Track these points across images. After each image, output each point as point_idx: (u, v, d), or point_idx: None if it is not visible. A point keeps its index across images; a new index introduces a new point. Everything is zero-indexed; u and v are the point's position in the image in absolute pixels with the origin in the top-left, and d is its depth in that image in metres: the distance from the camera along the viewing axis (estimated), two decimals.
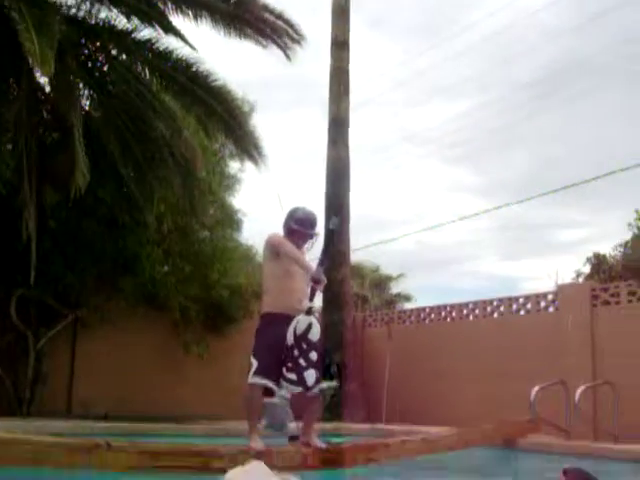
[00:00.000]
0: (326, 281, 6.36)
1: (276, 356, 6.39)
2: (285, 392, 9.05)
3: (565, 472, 4.17)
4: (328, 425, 10.79)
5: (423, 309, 14.30)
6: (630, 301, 10.84)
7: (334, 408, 12.05)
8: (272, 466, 5.65)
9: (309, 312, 6.47)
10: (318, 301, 14.06)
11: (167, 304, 12.84)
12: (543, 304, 12.03)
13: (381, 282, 24.84)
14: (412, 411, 12.59)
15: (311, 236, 6.74)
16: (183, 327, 13.22)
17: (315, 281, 6.39)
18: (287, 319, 6.39)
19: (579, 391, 9.34)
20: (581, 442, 9.16)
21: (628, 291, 10.89)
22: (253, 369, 6.37)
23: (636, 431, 9.40)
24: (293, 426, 6.89)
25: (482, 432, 9.12)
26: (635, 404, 9.94)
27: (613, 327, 10.87)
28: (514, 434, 9.33)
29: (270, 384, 6.39)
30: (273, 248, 6.59)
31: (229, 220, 14.19)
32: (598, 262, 19.87)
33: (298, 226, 6.65)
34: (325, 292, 13.88)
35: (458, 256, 42.08)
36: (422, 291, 39.36)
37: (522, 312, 12.39)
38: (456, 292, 36.42)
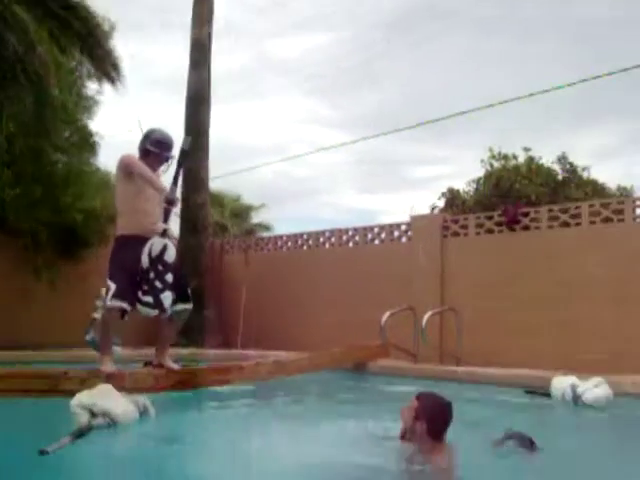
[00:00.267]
0: (180, 201, 6.34)
1: (131, 278, 6.33)
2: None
3: (418, 397, 4.37)
4: (184, 351, 10.78)
5: (280, 237, 14.41)
6: (478, 233, 11.31)
7: (191, 334, 12.04)
8: (123, 388, 5.65)
9: (164, 234, 6.42)
10: (175, 225, 13.94)
11: (17, 228, 12.36)
12: (397, 234, 12.36)
13: (242, 212, 24.77)
14: (268, 337, 12.77)
15: (167, 159, 6.63)
16: (33, 252, 12.77)
17: (169, 202, 6.32)
18: (141, 241, 6.31)
19: (426, 317, 9.74)
20: (427, 365, 9.62)
21: (476, 223, 11.35)
22: (110, 293, 6.30)
23: (478, 354, 9.95)
24: (118, 349, 6.84)
25: (333, 356, 9.38)
26: (477, 329, 10.49)
27: (461, 257, 11.35)
28: (364, 358, 9.65)
29: (126, 306, 6.34)
30: (125, 168, 6.46)
31: (85, 143, 13.70)
32: (452, 197, 20.58)
33: (153, 148, 6.54)
34: (182, 217, 13.79)
35: (318, 188, 42.63)
36: (282, 222, 39.50)
37: (376, 241, 12.69)
38: (315, 223, 36.92)
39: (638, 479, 4.18)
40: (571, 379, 6.94)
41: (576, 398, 6.68)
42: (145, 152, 6.57)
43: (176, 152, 6.60)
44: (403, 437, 4.33)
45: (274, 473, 3.98)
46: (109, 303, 6.27)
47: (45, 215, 12.50)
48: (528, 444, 4.58)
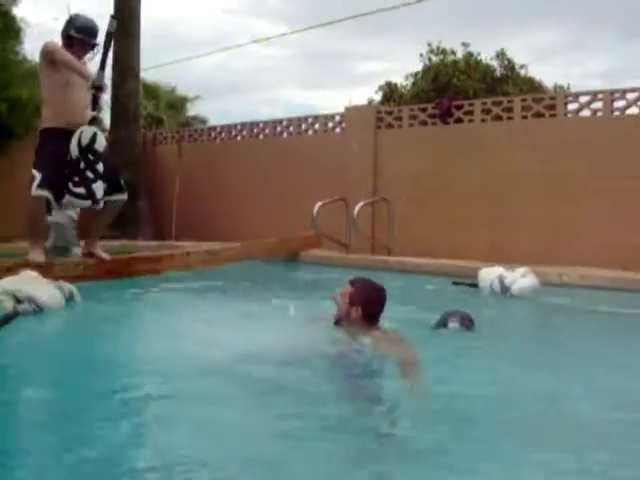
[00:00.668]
0: (108, 88, 6.21)
1: (59, 170, 6.24)
2: (73, 213, 8.92)
3: (352, 282, 4.44)
4: (116, 242, 10.81)
5: (214, 128, 14.26)
6: (411, 125, 11.35)
7: (124, 226, 11.96)
8: (51, 277, 5.63)
9: (93, 122, 6.31)
10: (106, 117, 13.65)
11: None
12: (330, 125, 12.34)
13: (177, 103, 24.26)
14: (203, 228, 12.80)
15: (92, 46, 6.46)
16: None
17: (96, 88, 6.20)
18: (68, 134, 6.21)
19: (358, 207, 9.84)
20: (359, 255, 9.82)
21: (410, 115, 11.37)
22: (36, 182, 6.21)
23: (409, 245, 10.15)
24: (79, 251, 6.83)
25: (265, 245, 9.53)
26: (409, 220, 10.66)
27: (394, 149, 11.39)
28: (297, 248, 9.82)
29: (51, 197, 6.27)
30: (49, 55, 6.27)
31: (9, 30, 13.12)
32: (390, 90, 20.52)
33: (77, 34, 6.36)
34: (113, 107, 13.48)
35: (258, 83, 41.94)
36: (219, 115, 39.05)
37: (310, 132, 12.66)
38: (254, 118, 36.49)
39: (556, 359, 4.36)
40: (498, 270, 7.08)
41: (504, 289, 6.81)
42: (69, 39, 6.38)
43: (102, 39, 6.43)
44: (338, 322, 4.39)
45: (206, 357, 3.98)
46: (34, 193, 6.19)
47: None
48: (468, 323, 4.75)
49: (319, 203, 9.80)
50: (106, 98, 6.92)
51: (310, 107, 41.76)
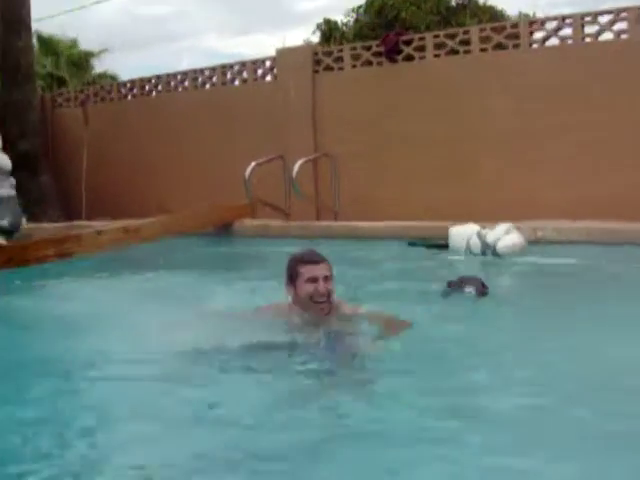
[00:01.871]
0: None
1: None
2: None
3: (322, 258, 4.33)
4: None
5: (124, 84, 14.07)
6: (354, 66, 11.28)
7: (25, 207, 11.72)
8: None
9: None
10: None
11: None
12: (261, 72, 12.25)
13: (80, 60, 23.86)
14: (118, 205, 12.60)
15: None
16: None
17: None
18: None
19: (297, 165, 9.77)
20: (301, 222, 9.73)
21: (352, 55, 11.29)
22: None
23: (357, 205, 10.12)
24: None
25: (189, 217, 9.44)
26: (356, 177, 10.61)
27: (336, 94, 11.31)
28: (227, 218, 9.72)
29: None
30: None
31: None
32: (329, 29, 20.31)
33: None
34: (1, 65, 13.14)
35: (175, 31, 41.28)
36: (131, 71, 38.43)
37: (237, 82, 12.53)
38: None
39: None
40: (473, 228, 7.02)
41: (485, 248, 6.73)
42: None
43: None
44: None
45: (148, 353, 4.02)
46: None
47: None
48: (482, 288, 4.91)
49: (252, 164, 9.73)
50: None
51: (239, 56, 41.29)
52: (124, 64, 24.69)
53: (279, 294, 4.49)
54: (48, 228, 11.19)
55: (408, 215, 9.16)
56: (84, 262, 7.62)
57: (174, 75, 13.18)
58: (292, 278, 4.30)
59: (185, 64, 40.90)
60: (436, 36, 10.69)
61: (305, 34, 43.14)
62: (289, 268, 4.33)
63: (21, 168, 12.12)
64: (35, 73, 14.17)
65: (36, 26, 14.56)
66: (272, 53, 12.02)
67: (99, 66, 24.78)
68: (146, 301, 5.24)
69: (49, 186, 13.45)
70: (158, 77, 13.34)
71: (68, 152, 13.90)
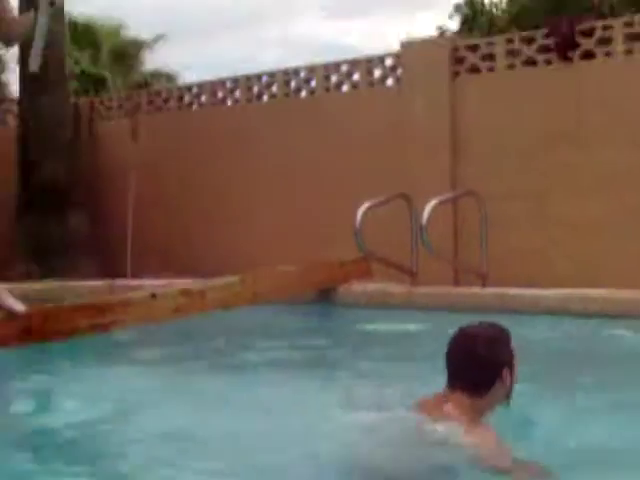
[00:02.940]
0: None
1: None
2: None
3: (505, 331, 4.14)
4: (37, 285, 10.74)
5: (188, 88, 14.28)
6: (511, 67, 11.12)
7: (47, 257, 11.79)
8: None
9: None
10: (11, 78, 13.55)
11: None
12: (378, 74, 12.19)
13: (127, 52, 24.39)
14: (175, 255, 12.75)
15: None
16: None
17: None
18: None
19: (428, 208, 9.48)
20: (433, 287, 9.53)
21: (507, 50, 11.15)
22: None
23: (514, 264, 9.85)
24: None
25: (278, 278, 9.34)
26: (511, 225, 10.42)
27: (484, 108, 11.16)
28: (331, 280, 9.61)
29: None
30: None
31: None
32: (472, 12, 20.22)
33: None
34: (21, 60, 13.35)
35: (255, 13, 41.69)
36: (197, 67, 38.98)
37: (345, 87, 12.53)
38: (253, 68, 36.58)
39: None
40: None
41: None
42: None
43: None
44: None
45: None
46: None
47: None
48: None
49: (364, 205, 9.49)
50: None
51: (341, 48, 41.53)
52: (185, 58, 25.12)
53: (413, 392, 4.37)
54: (80, 287, 11.22)
55: (588, 279, 9.01)
56: (124, 336, 7.75)
57: (257, 77, 13.30)
58: (508, 363, 4.05)
59: (271, 59, 41.28)
60: (628, 24, 10.43)
61: (439, 19, 43.05)
62: (502, 345, 4.10)
63: (43, 202, 12.18)
64: (67, 72, 14.33)
65: (69, 8, 14.68)
66: (394, 46, 11.97)
67: (152, 61, 25.30)
68: (217, 406, 5.21)
69: (82, 228, 13.56)
70: (235, 80, 13.48)
71: (109, 179, 14.10)
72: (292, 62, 42.19)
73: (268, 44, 42.86)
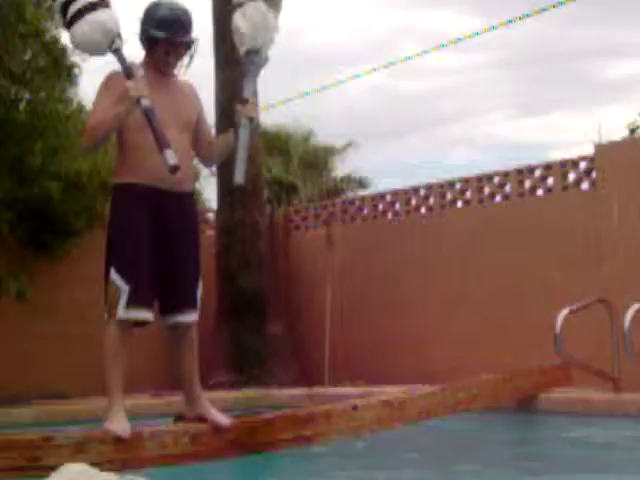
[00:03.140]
0: (256, 104, 6.43)
1: (149, 262, 6.41)
2: None
3: None
4: (235, 393, 11.17)
5: (382, 196, 14.54)
6: None
7: (246, 365, 12.27)
8: (142, 460, 5.75)
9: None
10: (208, 190, 13.97)
11: None
12: (572, 177, 12.31)
13: (317, 159, 24.76)
14: (371, 362, 12.98)
15: (187, 45, 6.67)
16: None
17: (241, 101, 6.47)
18: (156, 195, 6.38)
19: (630, 312, 9.63)
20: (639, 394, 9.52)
21: None
22: (122, 296, 6.37)
23: None
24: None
25: (483, 387, 9.38)
26: None
27: None
28: (532, 388, 9.68)
29: (150, 315, 6.40)
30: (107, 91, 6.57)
31: (57, 67, 13.87)
32: None
33: (159, 32, 6.55)
34: (219, 177, 13.91)
35: (443, 112, 42.17)
36: (386, 171, 39.34)
37: (540, 192, 12.67)
38: (443, 170, 36.78)
39: None
40: None
41: None
42: (150, 43, 6.58)
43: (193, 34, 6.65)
44: None
45: None
46: (121, 314, 6.35)
47: (2, 188, 12.67)
48: None
49: (565, 310, 9.68)
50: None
51: (531, 147, 41.40)
52: (375, 161, 25.40)
53: None
54: (278, 396, 11.66)
55: None
56: (329, 449, 7.81)
57: (450, 184, 13.58)
58: None
59: (455, 156, 41.47)
60: None
61: (628, 112, 42.86)
62: None
63: (243, 312, 12.67)
64: (264, 183, 14.86)
65: (262, 116, 15.23)
66: (581, 142, 12.13)
67: (342, 166, 25.56)
68: None
69: (280, 337, 14.04)
70: (428, 187, 13.79)
71: (305, 288, 14.55)
72: (479, 161, 42.32)
73: (451, 146, 43.01)
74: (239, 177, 6.12)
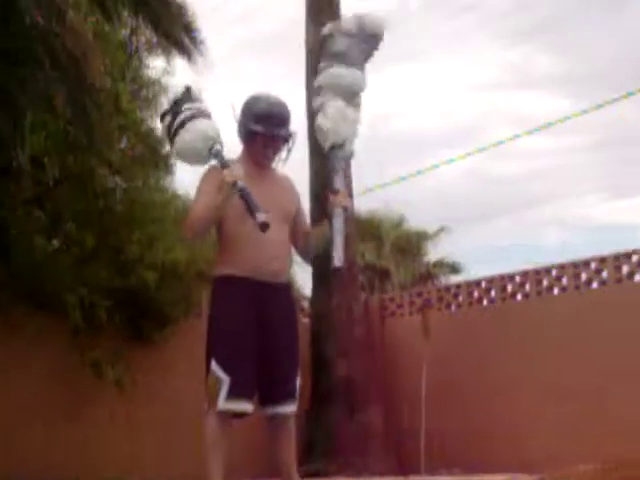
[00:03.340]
0: (347, 194, 6.49)
1: (250, 353, 6.48)
2: None
3: None
4: None
5: (478, 283, 14.61)
6: None
7: (339, 454, 12.23)
8: None
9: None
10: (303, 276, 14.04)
11: (59, 300, 12.75)
12: None
13: (410, 244, 24.87)
14: (467, 451, 12.98)
15: (284, 138, 6.79)
16: (88, 337, 13.10)
17: (333, 192, 6.54)
18: (255, 287, 6.47)
19: None
20: None
21: None
22: (223, 387, 6.44)
23: None
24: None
25: (579, 476, 9.31)
26: None
27: None
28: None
29: (250, 407, 6.47)
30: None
31: (153, 157, 14.12)
32: None
33: (257, 126, 6.69)
34: (314, 264, 14.03)
35: (535, 194, 42.07)
36: (478, 255, 39.44)
37: (637, 277, 12.66)
38: (536, 253, 36.65)
39: None
40: None
41: None
42: (249, 137, 6.71)
43: (292, 126, 6.75)
44: None
45: None
46: (222, 406, 6.41)
47: (100, 277, 12.83)
48: None
49: None
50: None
51: (624, 227, 41.20)
52: (465, 245, 25.44)
53: None
54: None
55: None
56: None
57: (545, 270, 13.60)
58: None
59: (550, 238, 41.35)
60: None
61: None
62: None
63: (337, 400, 12.68)
64: (359, 270, 14.94)
65: (355, 202, 15.33)
66: None
67: (435, 250, 25.64)
68: None
69: (375, 424, 14.02)
70: (524, 274, 13.80)
71: (401, 375, 14.56)
72: (571, 243, 42.19)
73: (543, 228, 42.96)
74: (338, 261, 6.16)
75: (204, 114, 6.55)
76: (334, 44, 6.80)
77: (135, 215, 13.32)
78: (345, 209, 6.53)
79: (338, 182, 6.43)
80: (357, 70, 6.82)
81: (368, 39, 6.81)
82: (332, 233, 6.29)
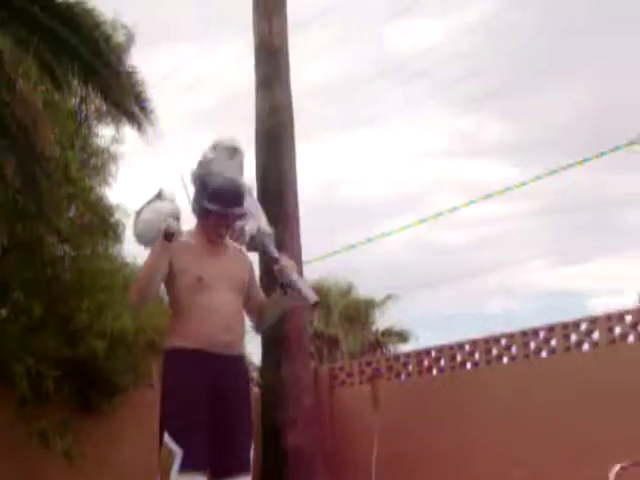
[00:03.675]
0: (287, 258, 6.52)
1: (202, 426, 6.45)
2: None
3: None
4: None
5: (427, 352, 14.59)
6: None
7: None
8: None
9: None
10: (252, 346, 13.99)
11: (6, 370, 12.69)
12: (619, 331, 12.33)
13: (358, 312, 24.90)
14: None
15: (239, 216, 6.81)
16: (36, 407, 13.02)
17: (275, 262, 6.56)
18: (208, 359, 6.46)
19: None
20: None
21: None
22: (175, 461, 6.41)
23: None
24: None
25: None
26: None
27: None
28: None
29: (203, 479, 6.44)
30: None
31: (102, 225, 14.10)
32: None
33: (213, 204, 6.70)
34: (263, 335, 14.01)
35: (481, 262, 42.39)
36: (426, 323, 39.54)
37: (585, 346, 12.70)
38: (482, 321, 36.96)
39: None
40: None
41: None
42: (203, 214, 6.75)
43: (250, 204, 6.77)
44: None
45: None
46: (174, 479, 6.38)
47: (48, 347, 12.76)
48: None
49: (616, 467, 9.55)
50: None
51: (572, 294, 41.53)
52: (413, 312, 25.53)
53: None
54: None
55: None
56: None
57: (495, 339, 13.62)
58: None
59: (494, 305, 41.68)
60: None
61: None
62: None
63: (286, 470, 12.64)
64: (308, 338, 14.93)
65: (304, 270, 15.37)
66: (623, 291, 12.21)
67: (382, 318, 25.68)
68: None
69: None
70: (473, 343, 13.85)
71: (350, 445, 14.44)
72: (516, 311, 42.51)
73: (488, 296, 43.31)
74: (313, 296, 6.19)
75: (163, 196, 6.60)
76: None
77: (84, 283, 13.30)
78: (292, 267, 6.62)
79: (274, 252, 6.50)
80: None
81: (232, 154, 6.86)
82: (293, 284, 6.34)
